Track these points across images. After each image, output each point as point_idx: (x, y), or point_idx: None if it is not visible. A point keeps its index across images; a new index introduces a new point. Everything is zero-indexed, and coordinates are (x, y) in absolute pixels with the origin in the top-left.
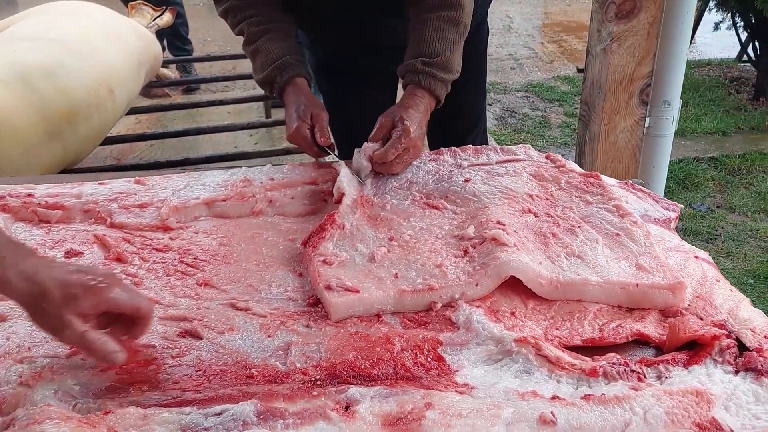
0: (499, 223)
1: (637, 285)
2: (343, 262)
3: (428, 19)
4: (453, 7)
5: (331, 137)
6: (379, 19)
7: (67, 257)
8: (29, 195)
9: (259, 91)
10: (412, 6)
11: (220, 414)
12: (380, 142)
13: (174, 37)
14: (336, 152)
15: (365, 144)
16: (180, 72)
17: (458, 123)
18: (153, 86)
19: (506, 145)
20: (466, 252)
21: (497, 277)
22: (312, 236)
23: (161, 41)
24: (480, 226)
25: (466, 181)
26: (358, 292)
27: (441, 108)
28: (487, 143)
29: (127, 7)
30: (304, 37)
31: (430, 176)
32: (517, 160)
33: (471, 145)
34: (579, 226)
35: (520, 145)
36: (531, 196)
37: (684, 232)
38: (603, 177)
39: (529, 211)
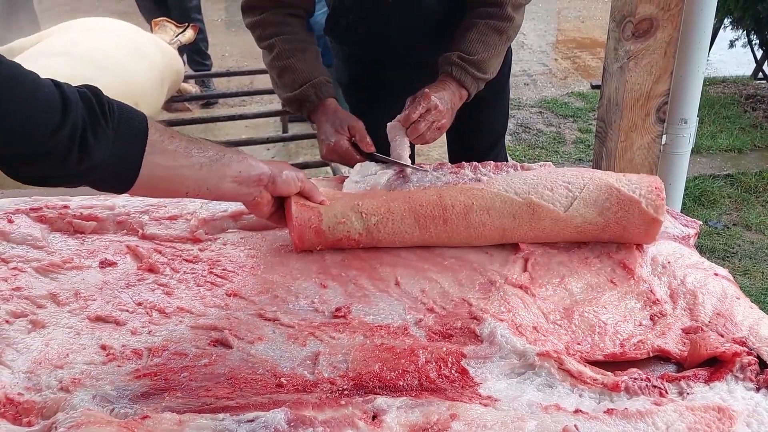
0: None
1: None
2: None
3: (476, 24)
4: (503, 18)
5: (372, 143)
6: (426, 36)
7: (102, 267)
8: (65, 206)
9: (277, 106)
10: (468, 10)
11: (252, 421)
12: None
13: (194, 53)
14: (378, 153)
15: None
16: (199, 86)
17: (479, 140)
18: (175, 101)
19: (520, 160)
20: None
21: None
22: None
23: (181, 56)
24: None
25: None
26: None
27: (463, 125)
28: (507, 161)
29: (151, 23)
30: (339, 50)
31: None
32: None
33: (492, 161)
34: None
35: (540, 163)
36: None
37: (700, 250)
38: None
39: None
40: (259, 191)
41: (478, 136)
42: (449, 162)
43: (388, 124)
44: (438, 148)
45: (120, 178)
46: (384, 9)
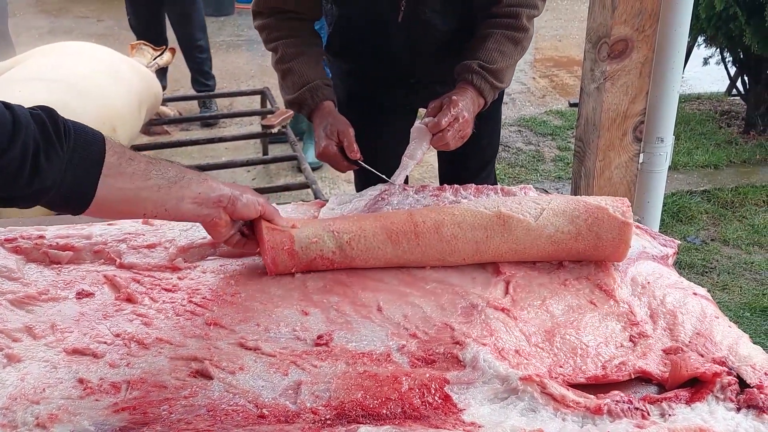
0: None
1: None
2: None
3: (492, 33)
4: (518, 29)
5: (358, 151)
6: (430, 54)
7: (79, 298)
8: (40, 236)
9: (257, 128)
10: (482, 20)
11: None
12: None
13: (198, 74)
14: (363, 163)
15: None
16: (201, 107)
17: (472, 161)
18: (153, 124)
19: (500, 179)
20: None
21: None
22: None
23: (161, 80)
24: None
25: None
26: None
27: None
28: (496, 182)
29: (128, 47)
30: (337, 69)
31: None
32: None
33: (473, 185)
34: None
35: (521, 186)
36: None
37: (679, 266)
38: None
39: None
40: (219, 213)
41: (470, 157)
42: (439, 182)
43: (414, 125)
44: (418, 167)
45: (74, 200)
46: (393, 27)
